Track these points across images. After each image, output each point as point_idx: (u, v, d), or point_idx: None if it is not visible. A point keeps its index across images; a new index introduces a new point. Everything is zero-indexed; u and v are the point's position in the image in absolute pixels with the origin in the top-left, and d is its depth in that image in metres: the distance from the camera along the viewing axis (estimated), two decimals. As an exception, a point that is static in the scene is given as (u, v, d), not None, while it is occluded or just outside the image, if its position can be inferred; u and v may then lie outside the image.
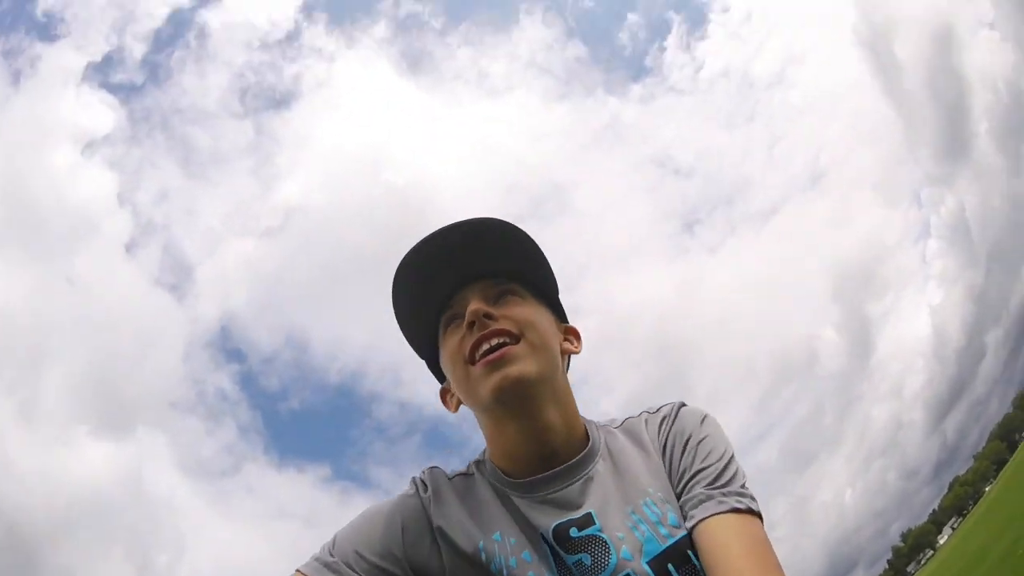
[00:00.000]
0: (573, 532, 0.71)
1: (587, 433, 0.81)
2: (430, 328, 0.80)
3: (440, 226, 0.74)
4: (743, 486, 0.71)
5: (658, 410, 0.82)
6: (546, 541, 0.72)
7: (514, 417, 0.74)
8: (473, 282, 0.77)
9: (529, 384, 0.72)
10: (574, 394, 0.82)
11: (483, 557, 0.71)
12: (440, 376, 0.84)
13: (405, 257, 0.75)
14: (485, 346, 0.72)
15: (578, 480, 0.75)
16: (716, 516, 0.67)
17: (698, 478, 0.72)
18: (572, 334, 0.87)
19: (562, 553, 0.71)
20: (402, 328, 0.81)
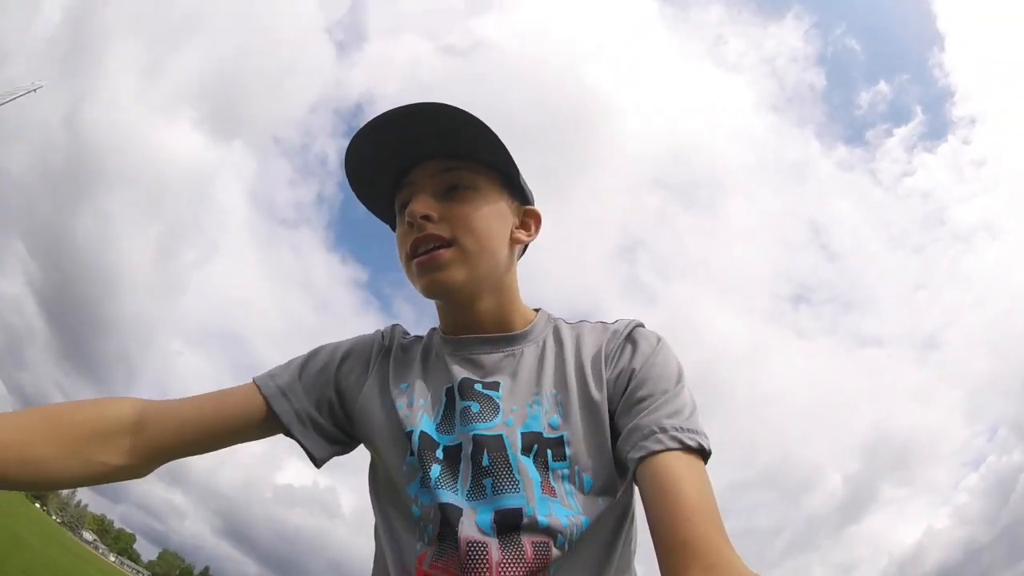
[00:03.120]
0: (477, 386, 0.75)
1: (531, 321, 0.82)
2: (387, 198, 0.80)
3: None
4: (693, 418, 0.68)
5: (615, 322, 0.80)
6: (449, 390, 0.76)
7: (446, 305, 0.80)
8: (428, 160, 0.75)
9: (454, 290, 0.74)
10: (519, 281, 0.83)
11: (391, 403, 0.77)
12: None
13: (362, 128, 0.74)
14: (420, 249, 0.74)
15: (502, 352, 0.78)
16: (669, 452, 0.63)
17: (650, 406, 0.68)
18: (532, 217, 0.84)
19: (457, 399, 0.75)
20: (355, 188, 0.81)
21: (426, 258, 0.73)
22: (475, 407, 0.73)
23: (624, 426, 0.69)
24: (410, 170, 0.76)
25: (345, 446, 0.82)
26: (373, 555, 0.81)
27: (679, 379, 0.72)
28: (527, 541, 0.65)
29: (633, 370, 0.72)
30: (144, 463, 0.73)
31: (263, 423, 0.78)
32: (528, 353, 0.78)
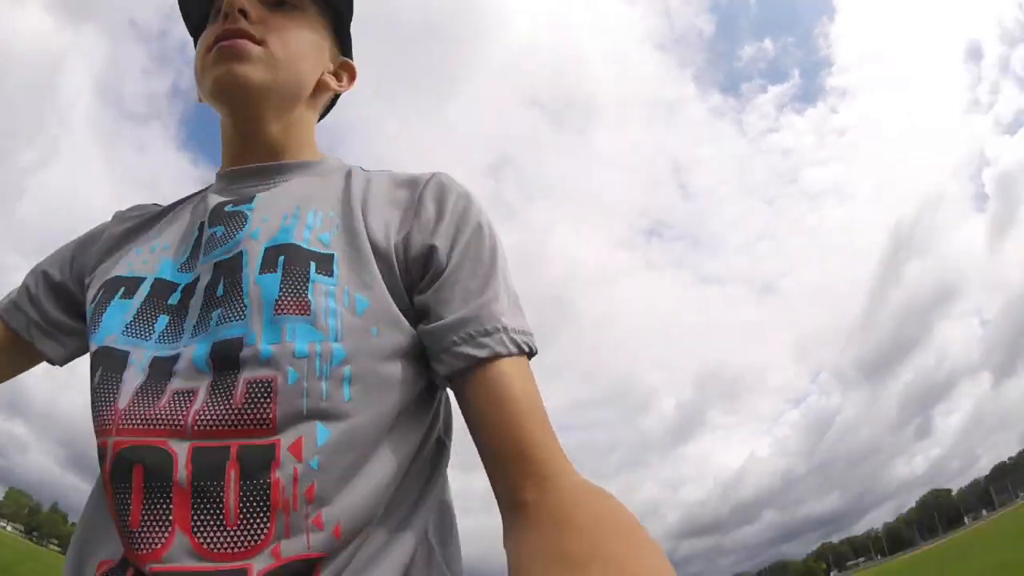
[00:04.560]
0: (228, 207, 0.63)
1: (319, 158, 0.71)
2: (201, 8, 0.70)
3: None
4: (522, 315, 0.59)
5: (417, 175, 0.66)
6: (201, 224, 0.63)
7: (230, 115, 0.67)
8: None
9: (248, 87, 0.63)
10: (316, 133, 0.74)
11: (113, 263, 0.66)
12: None
13: None
14: (225, 40, 0.63)
15: (273, 182, 0.66)
16: (509, 357, 0.54)
17: (473, 292, 0.56)
18: (346, 70, 0.76)
19: (205, 228, 0.62)
20: (184, 17, 0.71)
21: (229, 44, 0.62)
22: (219, 231, 0.60)
23: (439, 302, 0.56)
24: None
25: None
26: None
27: (495, 252, 0.61)
28: (242, 380, 0.49)
29: (439, 228, 0.59)
30: None
31: (14, 346, 0.69)
32: (306, 180, 0.66)
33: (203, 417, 0.48)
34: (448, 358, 0.54)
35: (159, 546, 0.45)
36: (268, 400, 0.48)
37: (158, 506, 0.46)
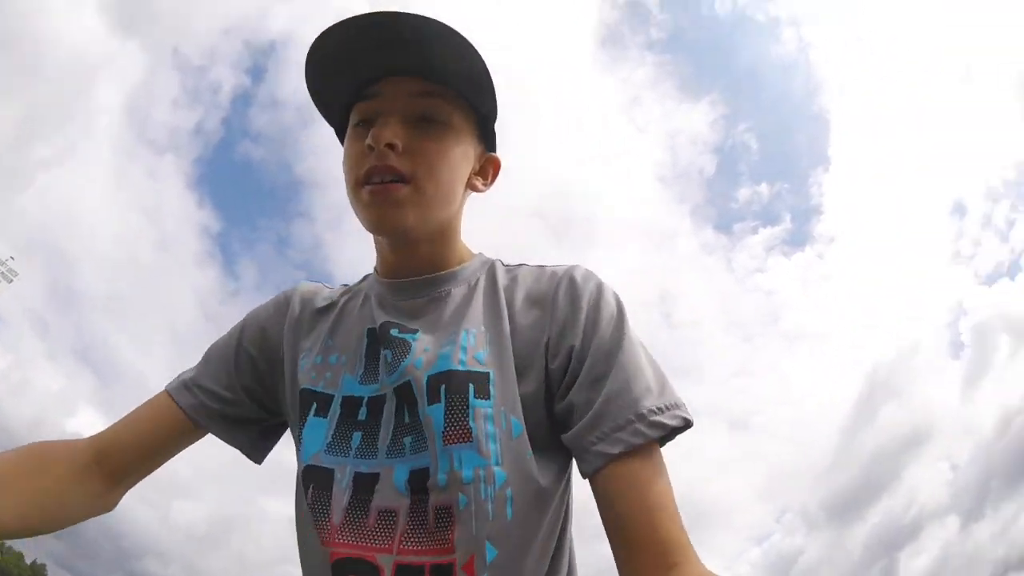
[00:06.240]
0: (394, 332, 0.68)
1: (466, 262, 0.74)
2: (341, 99, 0.69)
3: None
4: (667, 388, 0.61)
5: (555, 267, 0.71)
6: (371, 331, 0.70)
7: (386, 243, 0.71)
8: (405, 76, 0.65)
9: (402, 231, 0.66)
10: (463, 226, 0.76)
11: (295, 365, 0.72)
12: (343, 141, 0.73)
13: (345, 19, 0.63)
14: (376, 178, 0.64)
15: (426, 296, 0.71)
16: (626, 457, 0.57)
17: (594, 390, 0.60)
18: (492, 166, 0.77)
19: (377, 346, 0.68)
20: (309, 78, 0.68)
21: (381, 188, 0.64)
22: (388, 355, 0.66)
23: (577, 404, 0.60)
24: (380, 80, 0.66)
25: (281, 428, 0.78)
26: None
27: (623, 331, 0.63)
28: (431, 505, 0.58)
29: (574, 330, 0.63)
30: (115, 496, 0.74)
31: (184, 426, 0.73)
32: (456, 293, 0.71)
33: (407, 537, 0.59)
34: (589, 458, 0.59)
35: None
36: (449, 524, 0.58)
37: None
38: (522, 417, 0.61)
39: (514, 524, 0.59)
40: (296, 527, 0.67)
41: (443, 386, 0.61)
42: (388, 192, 0.64)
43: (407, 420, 0.62)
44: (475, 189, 0.74)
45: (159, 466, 0.75)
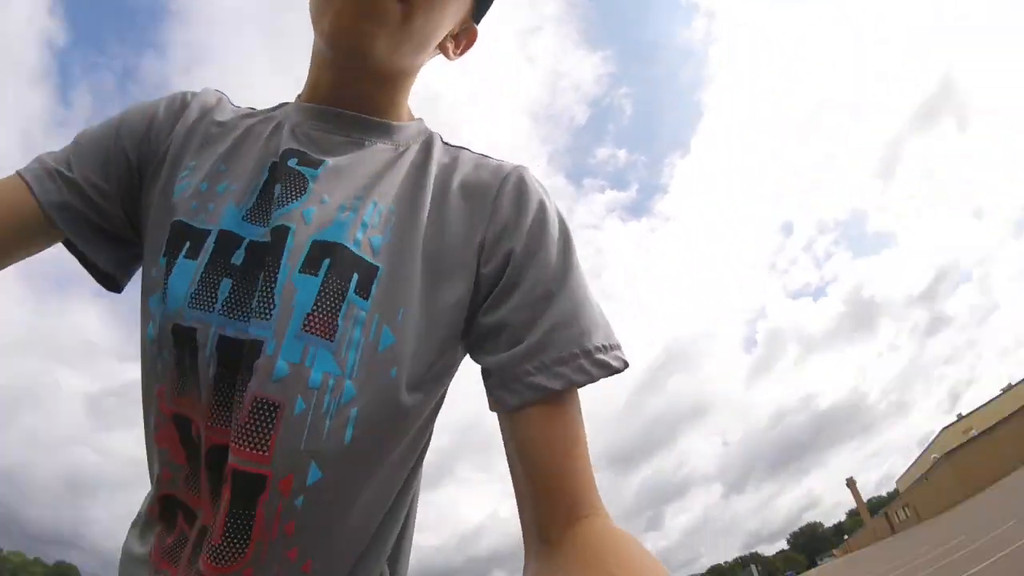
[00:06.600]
0: (292, 162, 0.55)
1: (406, 122, 0.63)
2: None
3: None
4: (607, 325, 0.54)
5: (502, 161, 0.61)
6: (274, 165, 0.56)
7: (333, 62, 0.58)
8: None
9: (366, 57, 0.54)
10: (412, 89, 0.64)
11: (171, 184, 0.57)
12: None
13: None
14: None
15: (349, 139, 0.59)
16: (541, 402, 0.49)
17: (539, 312, 0.51)
18: (468, 37, 0.66)
19: (274, 178, 0.55)
20: None
21: (371, 4, 0.51)
22: (278, 189, 0.53)
23: (514, 324, 0.51)
24: None
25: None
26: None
27: (571, 258, 0.55)
28: (250, 394, 0.46)
29: (515, 236, 0.54)
30: None
31: (35, 223, 0.56)
32: (381, 149, 0.59)
33: (213, 422, 0.48)
34: (518, 388, 0.50)
35: (169, 538, 0.52)
36: (270, 425, 0.45)
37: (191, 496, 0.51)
38: (400, 327, 0.50)
39: (351, 449, 0.48)
40: (144, 398, 0.54)
41: (327, 260, 0.49)
42: (378, 8, 0.51)
43: (267, 275, 0.49)
44: (444, 52, 0.64)
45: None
